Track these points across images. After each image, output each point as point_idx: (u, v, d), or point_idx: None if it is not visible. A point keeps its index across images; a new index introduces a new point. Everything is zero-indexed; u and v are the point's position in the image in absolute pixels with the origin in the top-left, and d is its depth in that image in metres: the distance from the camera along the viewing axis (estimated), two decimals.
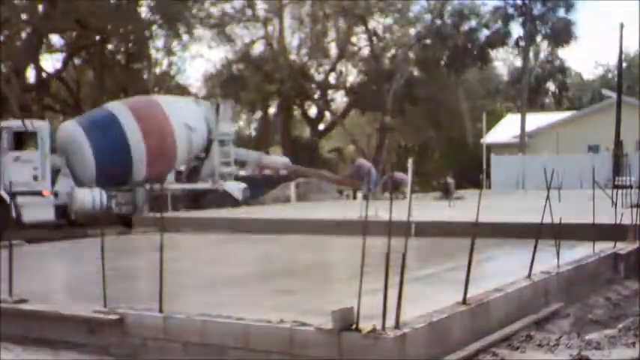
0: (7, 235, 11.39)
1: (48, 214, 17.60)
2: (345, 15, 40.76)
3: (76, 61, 32.31)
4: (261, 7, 41.14)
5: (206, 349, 5.42)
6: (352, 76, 45.14)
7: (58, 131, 19.61)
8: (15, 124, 18.07)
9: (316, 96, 44.72)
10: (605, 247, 9.35)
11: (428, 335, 5.21)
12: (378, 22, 42.15)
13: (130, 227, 16.30)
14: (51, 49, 30.96)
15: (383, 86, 40.17)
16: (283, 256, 10.93)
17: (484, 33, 43.17)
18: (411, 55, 42.50)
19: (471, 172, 34.74)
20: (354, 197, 24.81)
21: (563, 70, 49.38)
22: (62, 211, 18.05)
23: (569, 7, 42.71)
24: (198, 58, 63.45)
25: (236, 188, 23.31)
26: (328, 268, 9.59)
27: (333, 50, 43.78)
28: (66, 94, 33.15)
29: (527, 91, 43.56)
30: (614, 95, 36.54)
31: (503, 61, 53.44)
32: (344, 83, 45.17)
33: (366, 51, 43.53)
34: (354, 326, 4.90)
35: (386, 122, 41.14)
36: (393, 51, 43.04)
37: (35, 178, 17.49)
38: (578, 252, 8.78)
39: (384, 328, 4.87)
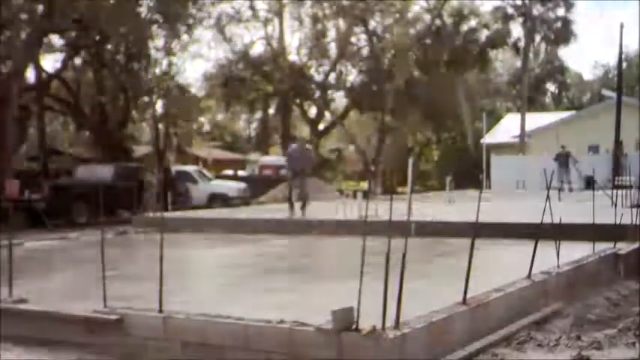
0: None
1: None
2: (345, 15, 40.75)
3: (76, 61, 32.29)
4: (261, 7, 41.19)
5: (206, 349, 5.41)
6: (352, 76, 45.14)
7: None
8: None
9: (316, 96, 44.70)
10: (605, 247, 9.35)
11: (428, 335, 5.21)
12: (377, 23, 42.16)
13: None
14: (51, 49, 30.92)
15: (383, 86, 40.14)
16: (283, 256, 10.92)
17: (484, 33, 43.21)
18: (411, 55, 42.48)
19: (471, 172, 34.74)
20: (354, 197, 24.93)
21: (562, 70, 49.44)
22: None
23: (568, 7, 42.75)
24: (198, 58, 63.49)
25: (234, 188, 23.23)
26: (328, 268, 9.58)
27: (333, 50, 43.78)
28: (66, 94, 33.12)
29: (527, 91, 43.62)
30: (614, 95, 36.50)
31: (503, 62, 53.49)
32: (344, 83, 45.14)
33: (365, 51, 43.52)
34: (354, 326, 4.90)
35: (386, 122, 41.11)
36: (392, 51, 43.03)
37: None
38: (578, 252, 8.77)
39: (383, 328, 4.87)
